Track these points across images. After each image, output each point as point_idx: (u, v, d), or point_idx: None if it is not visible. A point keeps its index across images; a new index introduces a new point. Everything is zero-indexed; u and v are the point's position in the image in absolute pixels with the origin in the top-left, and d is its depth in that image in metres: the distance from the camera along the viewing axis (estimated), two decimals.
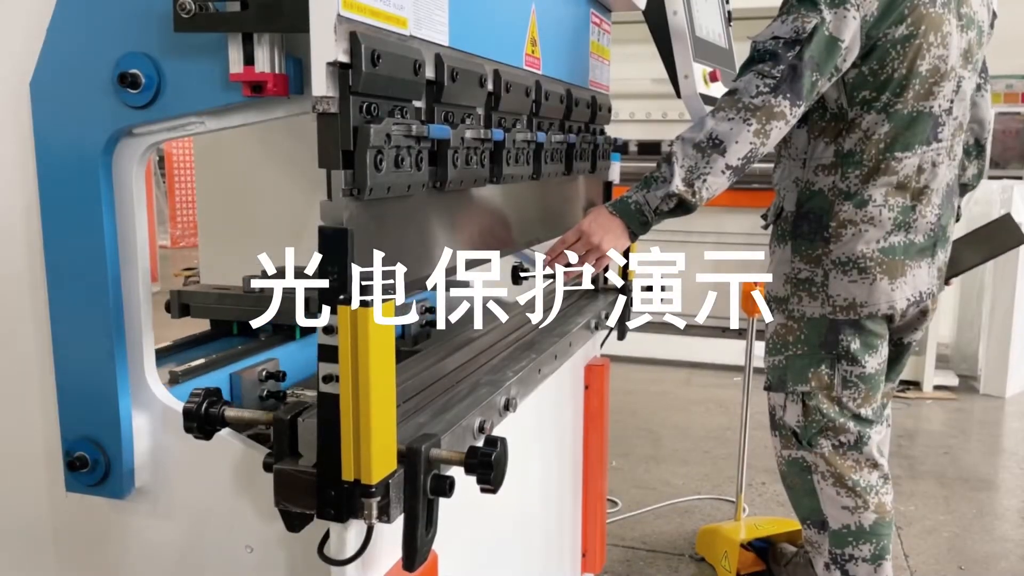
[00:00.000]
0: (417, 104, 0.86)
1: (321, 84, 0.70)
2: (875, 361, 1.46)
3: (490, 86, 1.00)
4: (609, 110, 1.55)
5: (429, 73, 0.85)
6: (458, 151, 0.91)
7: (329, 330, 0.71)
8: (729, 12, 1.85)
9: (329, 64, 0.69)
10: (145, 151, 0.82)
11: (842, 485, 1.47)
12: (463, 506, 0.85)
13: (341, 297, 0.70)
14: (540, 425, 1.33)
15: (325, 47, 0.69)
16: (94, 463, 0.84)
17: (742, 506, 2.09)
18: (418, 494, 0.75)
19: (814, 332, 1.45)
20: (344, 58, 0.70)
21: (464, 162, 0.93)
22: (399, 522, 0.76)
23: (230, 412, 0.80)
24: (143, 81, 0.77)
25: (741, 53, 1.90)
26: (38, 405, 0.88)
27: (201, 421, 0.79)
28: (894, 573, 1.62)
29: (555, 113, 1.25)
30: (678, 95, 1.55)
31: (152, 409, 0.86)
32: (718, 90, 1.62)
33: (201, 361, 1.01)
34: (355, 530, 0.75)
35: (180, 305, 1.17)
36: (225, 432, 0.82)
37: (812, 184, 1.42)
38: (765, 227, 1.58)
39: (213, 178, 1.40)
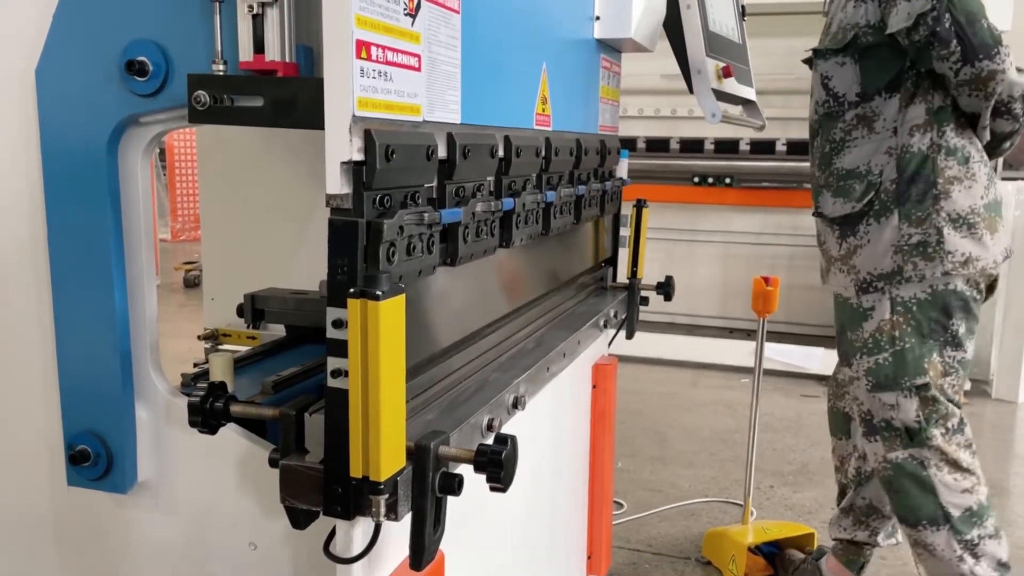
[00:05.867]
0: (428, 184, 0.85)
1: (335, 182, 0.69)
2: (971, 347, 1.50)
3: (501, 152, 0.99)
4: (618, 151, 1.56)
5: (441, 153, 0.84)
6: (468, 226, 0.91)
7: (338, 324, 0.70)
8: (743, 7, 1.83)
9: (343, 163, 0.68)
10: (152, 140, 0.82)
11: (958, 469, 1.48)
12: (470, 505, 0.83)
13: (351, 291, 0.69)
14: (548, 424, 1.31)
15: (340, 147, 0.68)
16: (96, 457, 0.84)
17: (750, 509, 2.07)
18: (426, 492, 0.74)
19: (924, 318, 1.47)
20: (358, 156, 0.69)
21: (475, 235, 0.92)
22: (406, 520, 0.74)
23: (235, 407, 0.79)
24: (151, 69, 0.76)
25: (754, 49, 1.88)
26: (40, 398, 0.87)
27: (206, 415, 0.78)
28: None
29: (564, 167, 1.25)
30: (691, 90, 1.53)
31: (155, 403, 0.85)
32: (731, 86, 1.60)
33: (295, 370, 0.98)
34: (362, 528, 0.74)
35: (254, 310, 1.14)
36: (230, 427, 0.81)
37: (909, 147, 1.47)
38: (830, 218, 1.57)
39: (216, 171, 1.39)
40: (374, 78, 0.71)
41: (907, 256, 1.46)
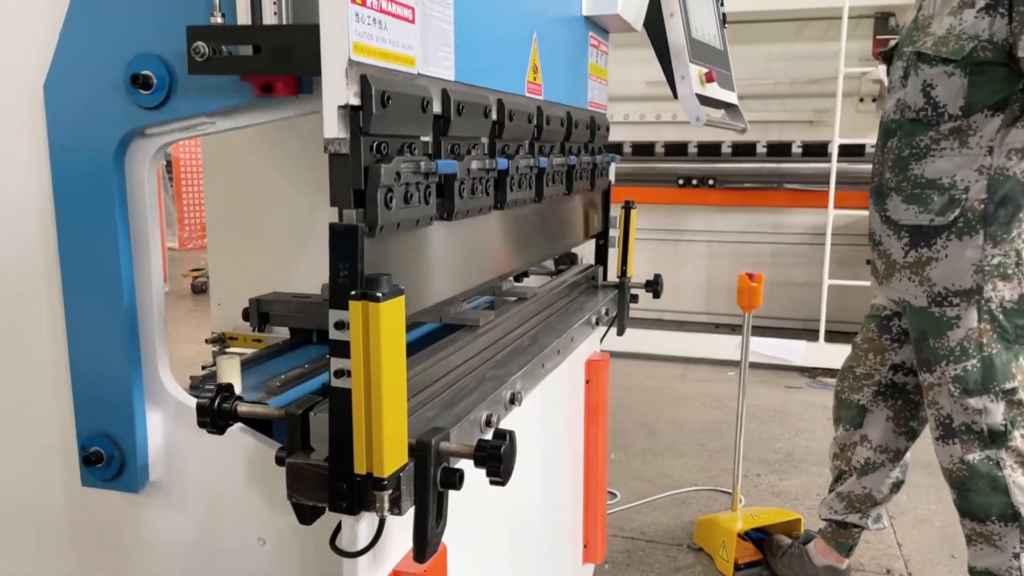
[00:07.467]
0: (424, 138, 0.87)
1: (333, 126, 0.71)
2: None
3: (494, 115, 1.02)
4: (607, 129, 1.57)
5: (436, 108, 0.86)
6: (464, 182, 0.93)
7: (340, 326, 0.73)
8: (724, 15, 1.87)
9: (340, 107, 0.70)
10: (157, 151, 0.83)
11: None
12: (471, 499, 0.86)
13: (352, 293, 0.72)
14: (543, 418, 1.34)
15: (336, 91, 0.70)
16: (109, 458, 0.86)
17: (738, 497, 2.12)
18: (428, 487, 0.76)
19: (1011, 325, 1.46)
20: (355, 101, 0.71)
21: (470, 192, 0.95)
22: (410, 514, 0.77)
23: (242, 407, 0.81)
24: (155, 82, 0.78)
25: (735, 55, 1.93)
26: (54, 401, 0.89)
27: (214, 416, 0.79)
28: (887, 562, 1.64)
29: (556, 137, 1.27)
30: (675, 95, 1.57)
31: (166, 405, 0.87)
32: (714, 91, 1.64)
33: (299, 371, 1.01)
34: (367, 522, 0.77)
35: (259, 314, 1.16)
36: (237, 427, 0.83)
37: (1005, 169, 1.44)
38: (898, 223, 1.54)
39: (221, 180, 1.41)
40: (369, 24, 0.72)
41: (987, 276, 1.45)
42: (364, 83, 0.72)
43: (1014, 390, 1.48)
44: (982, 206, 1.45)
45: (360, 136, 0.72)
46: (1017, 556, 1.51)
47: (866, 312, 1.82)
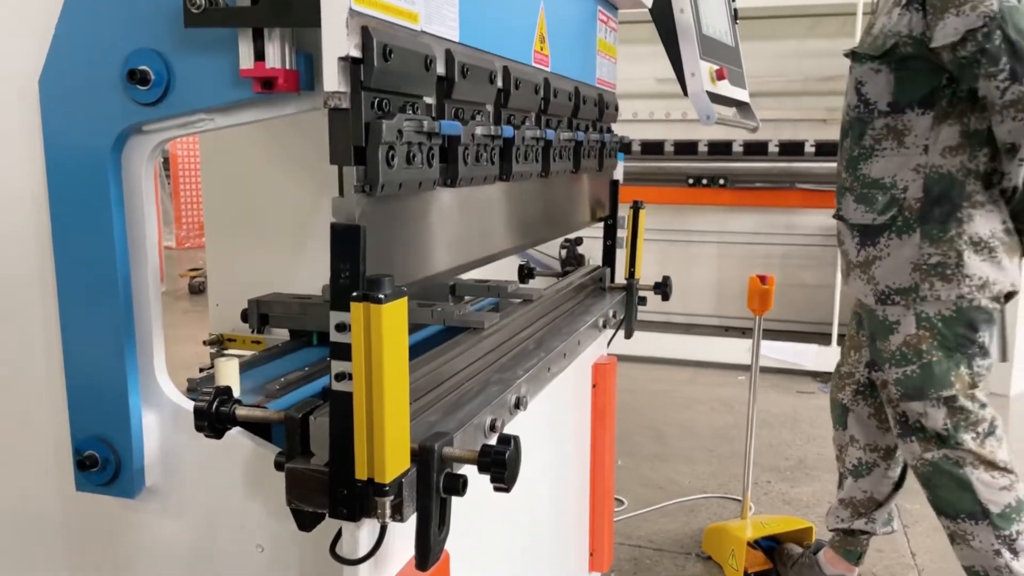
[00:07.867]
0: (428, 100, 0.86)
1: (333, 79, 0.69)
2: (993, 348, 1.51)
3: (499, 83, 1.00)
4: (616, 108, 1.55)
5: (440, 69, 0.85)
6: (468, 148, 0.91)
7: (341, 327, 0.71)
8: (735, 10, 1.85)
9: (341, 59, 0.69)
10: (154, 148, 0.82)
11: (995, 468, 1.50)
12: (475, 505, 0.84)
13: (354, 295, 0.70)
14: (549, 423, 1.33)
15: (337, 42, 0.68)
16: (104, 462, 0.84)
17: (748, 505, 2.09)
18: (431, 493, 0.75)
19: (951, 333, 1.47)
20: (356, 53, 0.70)
21: (475, 159, 0.93)
22: (412, 521, 0.75)
23: (241, 411, 0.79)
24: (152, 78, 0.77)
25: (747, 51, 1.90)
26: (48, 404, 0.87)
27: (212, 420, 0.78)
28: (900, 572, 1.62)
29: (563, 111, 1.25)
30: (685, 92, 1.55)
31: (162, 408, 0.86)
32: (725, 88, 1.62)
33: (299, 373, 1.00)
34: (368, 529, 0.75)
35: (259, 315, 1.16)
36: (236, 431, 0.82)
37: (939, 167, 1.45)
38: (850, 223, 1.57)
39: (219, 178, 1.40)
40: None
41: (925, 275, 1.46)
42: (365, 35, 0.70)
43: (954, 397, 1.49)
44: (918, 204, 1.48)
45: (361, 90, 0.71)
46: (999, 553, 1.50)
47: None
